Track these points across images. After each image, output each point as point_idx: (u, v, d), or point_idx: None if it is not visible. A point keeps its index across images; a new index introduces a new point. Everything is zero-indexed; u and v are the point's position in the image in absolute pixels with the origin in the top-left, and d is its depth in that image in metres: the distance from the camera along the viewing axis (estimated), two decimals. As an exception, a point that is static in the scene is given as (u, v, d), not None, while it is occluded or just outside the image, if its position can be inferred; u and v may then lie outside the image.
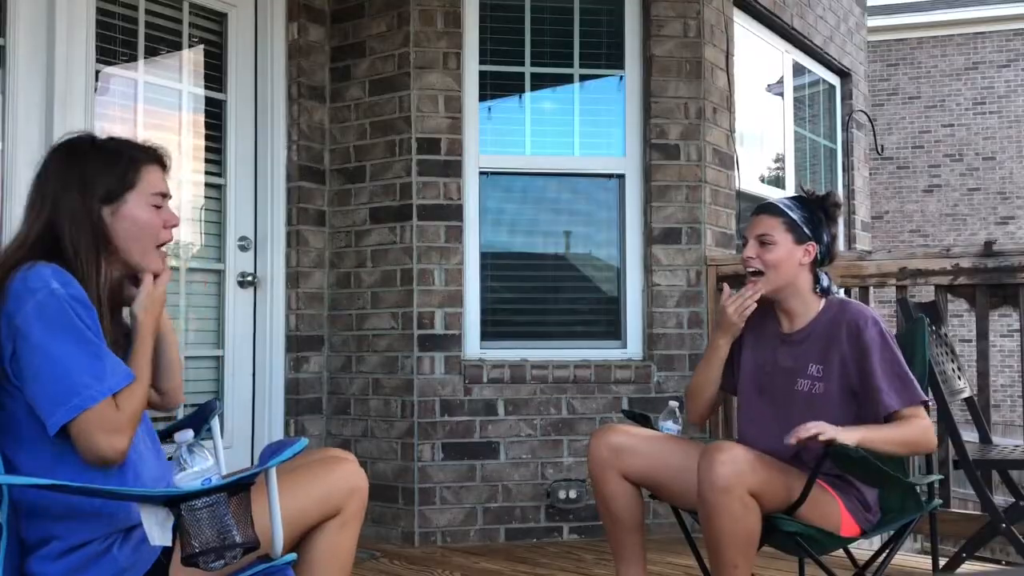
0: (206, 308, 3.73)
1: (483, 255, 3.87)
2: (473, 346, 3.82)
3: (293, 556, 1.74)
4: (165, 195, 1.83)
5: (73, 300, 1.63)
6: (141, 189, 1.78)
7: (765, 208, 2.40)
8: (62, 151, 1.81)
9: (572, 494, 3.75)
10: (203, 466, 1.61)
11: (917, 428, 2.23)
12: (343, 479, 1.85)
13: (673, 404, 2.55)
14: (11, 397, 1.65)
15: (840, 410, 2.29)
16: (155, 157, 1.83)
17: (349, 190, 3.93)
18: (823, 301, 2.38)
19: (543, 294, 4.01)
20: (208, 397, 3.23)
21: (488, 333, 3.86)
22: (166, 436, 1.95)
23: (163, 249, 1.83)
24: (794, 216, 2.35)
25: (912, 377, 2.26)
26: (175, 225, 1.84)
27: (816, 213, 2.38)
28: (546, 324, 3.99)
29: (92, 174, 1.75)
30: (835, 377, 2.30)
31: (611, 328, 3.97)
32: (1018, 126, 12.80)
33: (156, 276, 1.82)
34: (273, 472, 1.67)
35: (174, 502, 1.54)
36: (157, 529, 1.55)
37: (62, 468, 1.65)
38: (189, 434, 1.66)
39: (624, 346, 3.93)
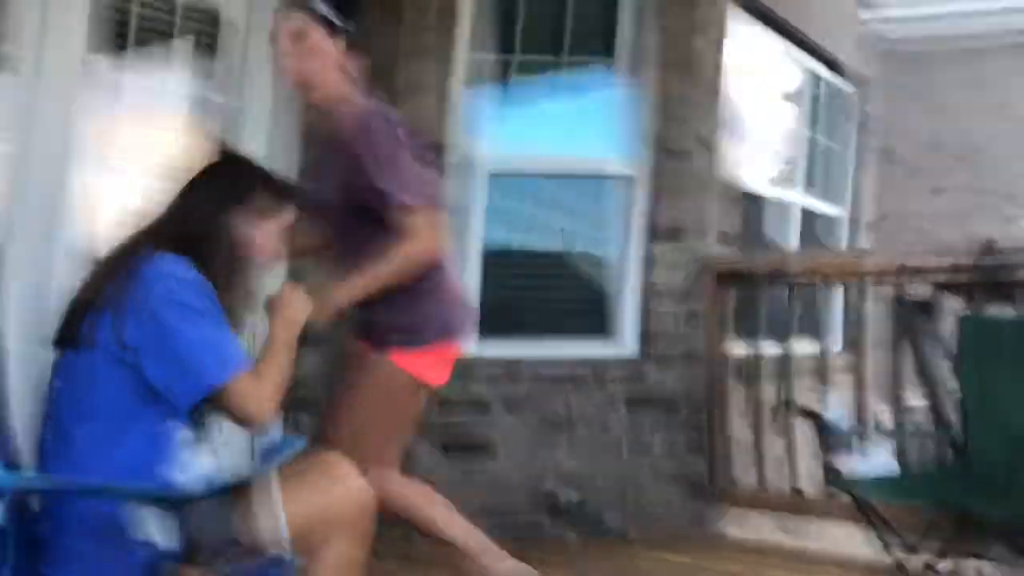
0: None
1: (479, 252, 3.85)
2: (469, 344, 3.79)
3: (291, 556, 1.73)
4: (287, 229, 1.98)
5: (204, 286, 1.74)
6: (280, 220, 1.93)
7: (296, 3, 2.28)
8: (227, 163, 1.96)
9: (569, 494, 3.73)
10: (202, 465, 1.61)
11: (407, 241, 2.17)
12: (349, 494, 1.88)
13: (837, 394, 2.51)
14: (109, 377, 1.70)
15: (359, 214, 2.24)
16: (295, 197, 2.00)
17: (345, 187, 3.91)
18: (357, 99, 2.31)
19: (540, 291, 4.00)
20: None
21: (485, 331, 3.84)
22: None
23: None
24: (323, 9, 2.28)
25: (416, 177, 2.20)
26: (280, 259, 2.01)
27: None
28: (543, 322, 3.97)
29: (244, 188, 1.89)
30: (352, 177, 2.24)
31: (608, 326, 3.95)
32: (1026, 128, 12.75)
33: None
34: (272, 472, 1.67)
35: (174, 501, 1.54)
36: (157, 528, 1.55)
37: (126, 446, 1.69)
38: (188, 434, 1.66)
39: (621, 344, 3.92)
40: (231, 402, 1.72)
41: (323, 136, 2.33)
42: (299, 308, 1.96)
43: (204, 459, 1.64)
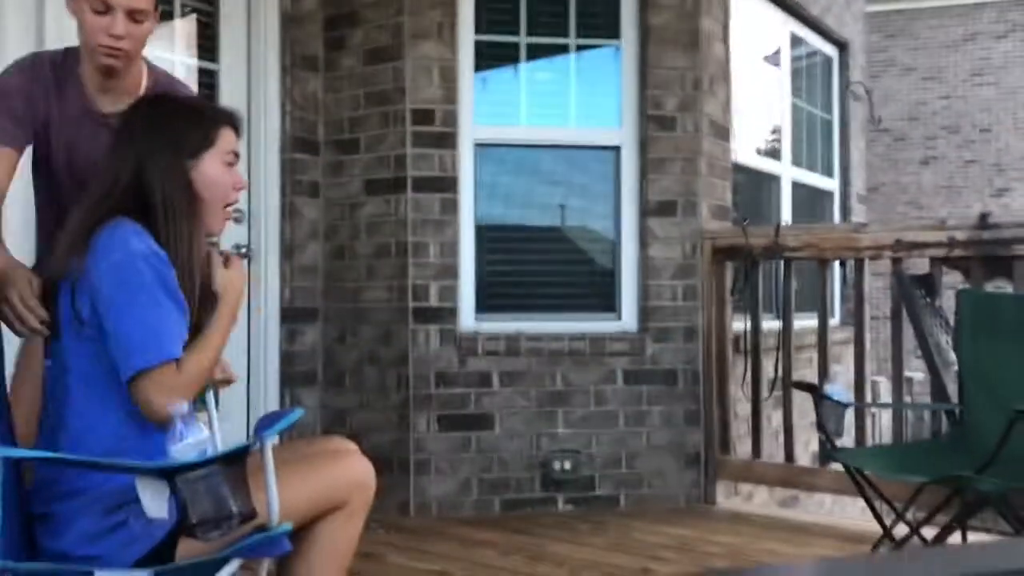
0: (200, 280, 3.72)
1: (478, 227, 3.86)
2: (468, 318, 3.81)
3: (289, 526, 1.75)
4: (237, 156, 1.86)
5: (151, 257, 1.67)
6: (218, 148, 1.81)
7: None
8: (147, 105, 1.85)
9: (567, 465, 3.77)
10: (199, 437, 1.61)
11: None
12: (350, 472, 1.87)
13: (837, 368, 2.53)
14: (79, 352, 1.70)
15: None
16: (231, 119, 1.86)
17: (343, 161, 3.90)
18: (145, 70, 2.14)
19: (538, 266, 4.00)
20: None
21: (483, 305, 3.86)
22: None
23: (228, 210, 1.86)
24: None
25: None
26: (243, 187, 1.89)
27: None
28: (541, 296, 3.98)
29: (179, 129, 1.79)
30: None
31: (606, 300, 3.97)
32: (1014, 98, 12.76)
33: (225, 257, 1.86)
34: (269, 443, 1.67)
35: (171, 474, 1.54)
36: (153, 502, 1.56)
37: (111, 421, 1.70)
38: (184, 406, 1.66)
39: (619, 318, 3.93)
40: (144, 390, 1.65)
41: (103, 115, 2.07)
42: (243, 282, 1.89)
43: (200, 430, 1.64)
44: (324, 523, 1.81)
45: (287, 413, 1.76)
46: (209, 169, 1.80)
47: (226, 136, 1.83)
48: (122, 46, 1.99)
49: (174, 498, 1.55)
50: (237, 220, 3.78)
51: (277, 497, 1.69)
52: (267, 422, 1.77)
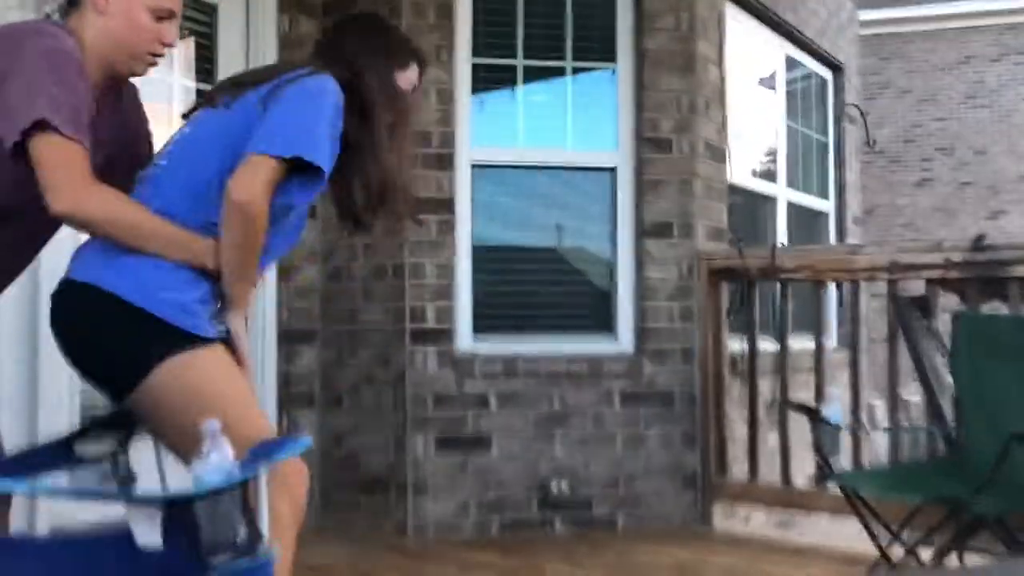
0: (198, 301, 3.72)
1: (475, 249, 3.87)
2: (465, 340, 3.82)
3: (277, 553, 1.74)
4: (415, 88, 2.06)
5: (336, 108, 1.82)
6: (407, 74, 2.01)
7: None
8: (357, 20, 2.17)
9: (564, 487, 3.76)
10: (223, 456, 1.59)
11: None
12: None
13: (833, 390, 2.54)
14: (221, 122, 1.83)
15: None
16: (422, 59, 2.10)
17: (341, 183, 3.91)
18: None
19: (535, 288, 4.01)
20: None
21: (480, 327, 3.86)
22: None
23: None
24: None
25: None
26: (418, 110, 2.15)
27: None
28: (539, 318, 3.99)
29: (391, 43, 2.04)
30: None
31: (603, 321, 3.98)
32: (1009, 120, 12.83)
33: None
34: (264, 472, 1.67)
35: (176, 501, 1.54)
36: (145, 527, 1.55)
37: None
38: (215, 423, 1.63)
39: (616, 339, 3.94)
40: (246, 169, 1.72)
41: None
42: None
43: (226, 450, 1.62)
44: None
45: (290, 441, 1.73)
46: (400, 83, 2.00)
47: (415, 69, 2.05)
48: (165, 54, 1.86)
49: (174, 523, 1.55)
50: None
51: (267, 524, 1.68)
52: (261, 451, 1.77)
